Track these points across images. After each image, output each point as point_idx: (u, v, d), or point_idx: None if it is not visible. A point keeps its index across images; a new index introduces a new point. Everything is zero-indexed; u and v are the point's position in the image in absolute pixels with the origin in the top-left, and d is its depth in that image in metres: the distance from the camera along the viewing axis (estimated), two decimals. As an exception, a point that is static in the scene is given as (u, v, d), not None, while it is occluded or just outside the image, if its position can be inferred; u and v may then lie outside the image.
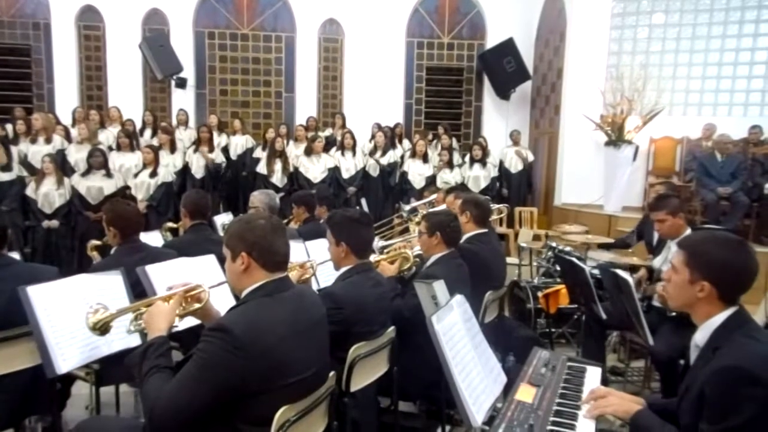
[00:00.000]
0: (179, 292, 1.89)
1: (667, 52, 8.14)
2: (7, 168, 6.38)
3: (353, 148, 7.80)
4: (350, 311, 2.31)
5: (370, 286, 2.47)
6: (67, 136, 7.49)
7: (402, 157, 8.30)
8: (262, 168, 7.50)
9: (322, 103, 9.68)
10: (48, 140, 7.13)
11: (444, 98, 9.86)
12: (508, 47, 8.99)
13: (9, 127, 7.57)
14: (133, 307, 1.92)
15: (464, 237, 3.39)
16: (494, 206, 5.14)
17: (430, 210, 4.26)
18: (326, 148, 7.83)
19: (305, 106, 9.48)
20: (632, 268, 3.89)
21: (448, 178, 7.47)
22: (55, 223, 6.24)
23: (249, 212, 4.25)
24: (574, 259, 3.52)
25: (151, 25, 9.13)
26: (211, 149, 7.54)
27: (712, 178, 6.56)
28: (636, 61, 8.09)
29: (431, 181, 7.44)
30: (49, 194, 6.25)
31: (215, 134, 8.07)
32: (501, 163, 8.47)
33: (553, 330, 4.41)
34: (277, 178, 7.44)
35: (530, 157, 8.63)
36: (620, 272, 2.86)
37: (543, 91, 9.32)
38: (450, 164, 7.68)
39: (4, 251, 2.73)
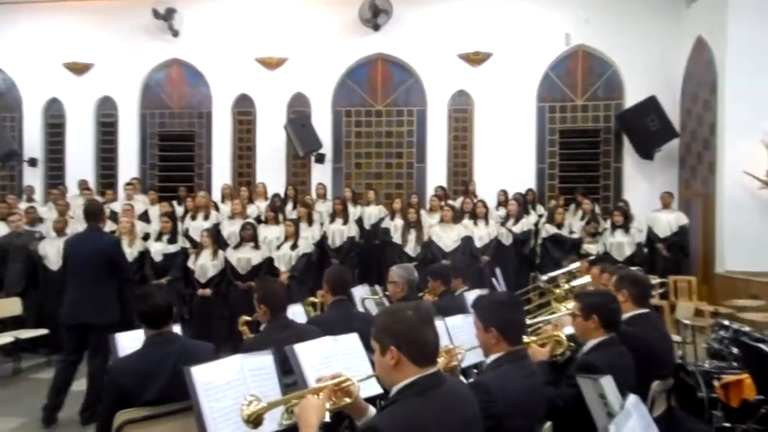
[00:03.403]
0: (329, 385, 1.87)
1: None
2: (173, 241, 7.11)
3: (486, 217, 7.66)
4: (504, 404, 2.12)
5: (524, 376, 2.27)
6: (215, 208, 8.22)
7: (536, 224, 8.00)
8: (396, 238, 7.60)
9: (452, 171, 9.75)
10: (207, 216, 7.88)
11: (579, 161, 9.45)
12: (650, 105, 8.46)
13: (175, 203, 8.56)
14: (286, 399, 1.93)
15: (622, 318, 3.06)
16: (653, 280, 4.66)
17: (585, 289, 3.95)
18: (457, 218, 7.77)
19: (436, 175, 9.61)
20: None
21: (590, 248, 6.99)
22: (208, 291, 6.76)
23: (388, 286, 4.28)
24: (763, 347, 3.00)
25: (295, 108, 9.96)
26: (346, 221, 7.82)
27: None
28: (808, 110, 7.17)
29: (572, 249, 7.02)
30: (204, 265, 6.82)
31: (350, 205, 8.41)
32: (649, 228, 7.81)
33: (733, 425, 3.77)
34: (411, 248, 7.47)
35: (682, 220, 7.87)
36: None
37: (693, 148, 8.57)
38: (596, 234, 7.19)
39: (168, 327, 2.94)
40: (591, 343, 2.75)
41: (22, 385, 5.78)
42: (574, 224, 7.60)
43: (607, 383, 1.97)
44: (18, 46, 10.37)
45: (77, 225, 7.44)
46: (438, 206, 8.10)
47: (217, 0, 9.94)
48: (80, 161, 10.30)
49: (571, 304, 4.26)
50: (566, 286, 5.24)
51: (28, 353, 6.40)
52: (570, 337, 2.97)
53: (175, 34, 9.95)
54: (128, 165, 10.24)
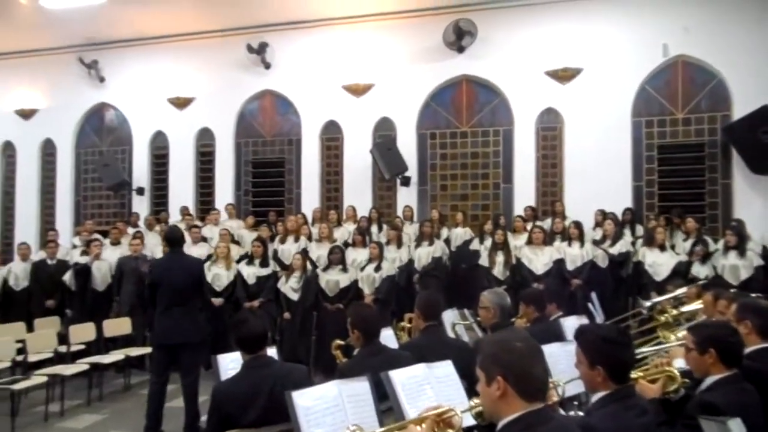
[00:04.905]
0: (431, 416, 1.82)
1: None
2: (265, 264, 7.37)
3: (580, 238, 7.32)
4: (614, 447, 1.97)
5: (634, 416, 2.10)
6: (309, 235, 8.44)
7: (634, 245, 7.54)
8: (483, 260, 7.44)
9: (541, 191, 9.44)
10: (297, 239, 8.12)
11: (681, 178, 8.83)
12: (762, 115, 7.78)
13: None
14: (387, 430, 1.90)
15: (745, 352, 2.77)
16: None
17: (699, 319, 3.64)
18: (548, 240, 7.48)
19: (523, 195, 9.33)
20: None
21: (699, 271, 6.46)
22: (287, 315, 6.99)
23: (479, 311, 4.17)
24: None
25: (381, 132, 10.11)
26: (432, 242, 7.77)
27: None
28: None
29: (681, 273, 6.50)
30: (293, 287, 7.04)
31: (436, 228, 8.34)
32: (764, 248, 7.12)
33: None
34: (499, 271, 7.28)
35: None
36: None
37: (816, 161, 7.77)
38: (706, 257, 6.65)
39: (264, 351, 3.02)
40: (710, 380, 2.50)
41: (132, 399, 6.17)
42: (677, 245, 7.07)
43: (736, 426, 1.78)
44: (128, 84, 11.34)
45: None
46: (522, 228, 7.87)
47: (306, 33, 10.36)
48: (181, 189, 11.00)
49: (680, 333, 3.95)
50: (674, 312, 4.87)
51: (136, 369, 6.84)
52: (684, 373, 2.73)
53: (267, 66, 10.47)
54: (224, 191, 10.81)
